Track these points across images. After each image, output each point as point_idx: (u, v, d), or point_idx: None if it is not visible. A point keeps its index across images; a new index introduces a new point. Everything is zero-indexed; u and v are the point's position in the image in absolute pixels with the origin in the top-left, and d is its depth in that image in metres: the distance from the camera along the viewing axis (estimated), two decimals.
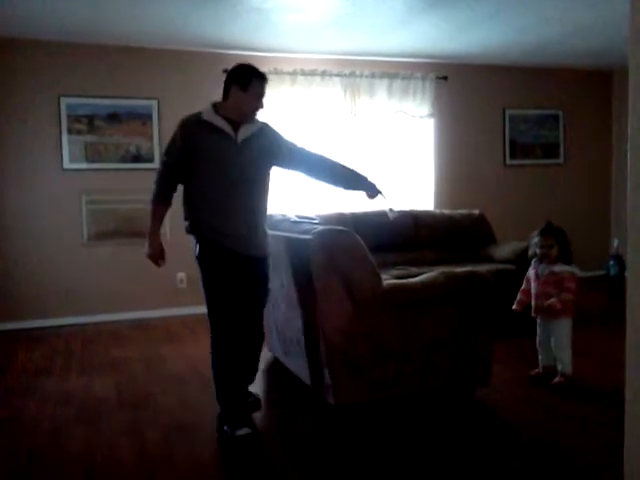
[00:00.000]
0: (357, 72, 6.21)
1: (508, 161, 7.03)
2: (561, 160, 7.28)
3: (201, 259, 2.95)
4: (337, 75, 6.15)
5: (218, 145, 2.84)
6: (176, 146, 2.92)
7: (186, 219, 3.01)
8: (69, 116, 5.48)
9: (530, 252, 3.53)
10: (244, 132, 2.87)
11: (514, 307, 3.55)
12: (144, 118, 5.71)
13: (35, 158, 5.39)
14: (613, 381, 3.37)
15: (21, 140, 5.35)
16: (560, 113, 7.21)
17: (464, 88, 6.74)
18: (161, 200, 3.07)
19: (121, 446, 2.81)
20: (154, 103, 5.71)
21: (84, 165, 5.53)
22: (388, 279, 3.49)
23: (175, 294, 5.80)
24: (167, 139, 5.66)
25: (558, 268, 3.35)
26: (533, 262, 3.49)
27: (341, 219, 4.94)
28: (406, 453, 2.66)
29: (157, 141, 5.72)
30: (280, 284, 3.47)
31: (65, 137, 5.46)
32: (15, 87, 5.31)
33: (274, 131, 3.06)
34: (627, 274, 1.82)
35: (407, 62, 6.40)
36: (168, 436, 2.92)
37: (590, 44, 6.02)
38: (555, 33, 5.61)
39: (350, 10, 4.77)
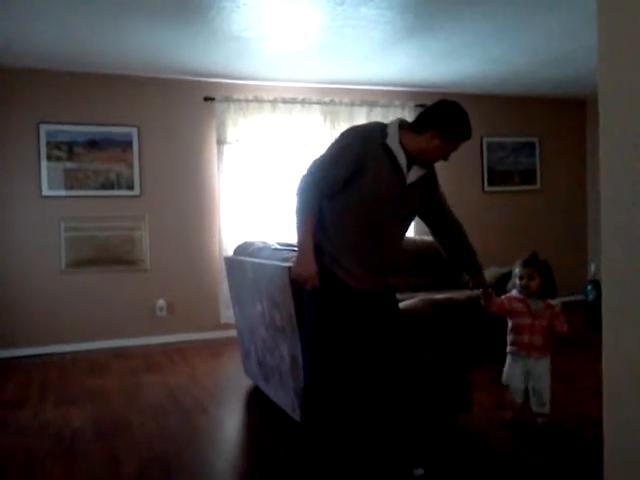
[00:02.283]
0: (337, 100, 6.28)
1: (487, 187, 7.12)
2: (538, 186, 7.40)
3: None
4: (317, 103, 6.22)
5: (388, 178, 2.45)
6: (344, 158, 2.44)
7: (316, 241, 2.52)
8: (48, 143, 5.45)
9: (510, 283, 3.35)
10: (414, 173, 2.50)
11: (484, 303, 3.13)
12: (124, 145, 5.70)
13: (14, 185, 5.34)
14: (592, 406, 3.38)
15: (1, 167, 5.30)
16: (536, 140, 7.34)
17: None
18: (312, 209, 2.47)
19: (98, 478, 2.75)
20: (134, 130, 5.71)
21: (63, 192, 5.49)
22: None
23: (155, 322, 5.74)
24: (148, 166, 5.80)
25: (551, 302, 3.23)
26: (515, 293, 3.26)
27: None
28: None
29: (137, 168, 5.71)
30: (261, 311, 3.46)
31: (44, 164, 5.42)
32: None
33: (435, 178, 2.71)
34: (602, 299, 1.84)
35: (386, 90, 6.49)
36: (146, 468, 2.86)
37: (564, 73, 6.17)
38: (530, 63, 5.74)
39: (330, 40, 4.84)
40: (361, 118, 6.34)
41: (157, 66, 5.46)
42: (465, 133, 2.49)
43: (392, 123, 2.52)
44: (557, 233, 7.43)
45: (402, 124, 2.52)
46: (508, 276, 4.89)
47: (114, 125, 5.65)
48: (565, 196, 7.54)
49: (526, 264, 3.23)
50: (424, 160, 2.49)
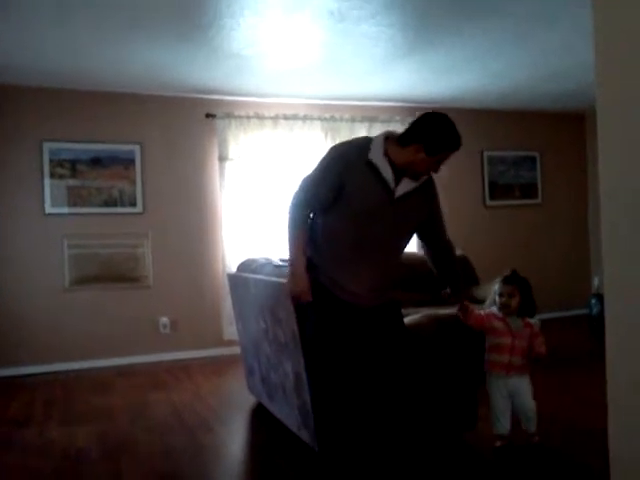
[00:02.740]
0: (337, 116, 6.32)
1: (488, 202, 7.14)
2: (539, 200, 7.41)
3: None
4: (318, 119, 6.25)
5: (373, 193, 2.46)
6: (326, 177, 2.50)
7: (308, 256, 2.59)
8: (51, 161, 5.48)
9: (488, 300, 3.23)
10: (405, 186, 2.49)
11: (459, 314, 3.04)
12: (127, 162, 5.73)
13: (17, 202, 5.37)
14: (596, 421, 3.37)
15: (2, 184, 5.33)
16: (537, 154, 7.37)
17: None
18: (303, 225, 2.56)
19: None
20: (137, 147, 5.75)
21: (66, 209, 5.51)
22: None
23: (158, 339, 5.74)
24: (150, 183, 5.83)
25: (532, 321, 3.11)
26: (495, 310, 3.12)
27: None
28: None
29: (140, 185, 5.74)
30: (264, 328, 3.46)
31: (47, 181, 5.45)
32: None
33: (434, 189, 2.69)
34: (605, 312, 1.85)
35: (387, 106, 6.53)
36: None
37: (563, 87, 6.21)
38: (529, 77, 5.78)
39: (330, 56, 4.88)
40: (362, 134, 6.36)
41: (159, 84, 5.51)
42: (450, 145, 2.44)
43: (377, 137, 2.54)
44: (559, 247, 7.43)
45: (389, 137, 2.52)
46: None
47: (117, 143, 5.68)
48: (567, 209, 7.56)
49: (506, 281, 3.11)
50: (413, 172, 2.47)
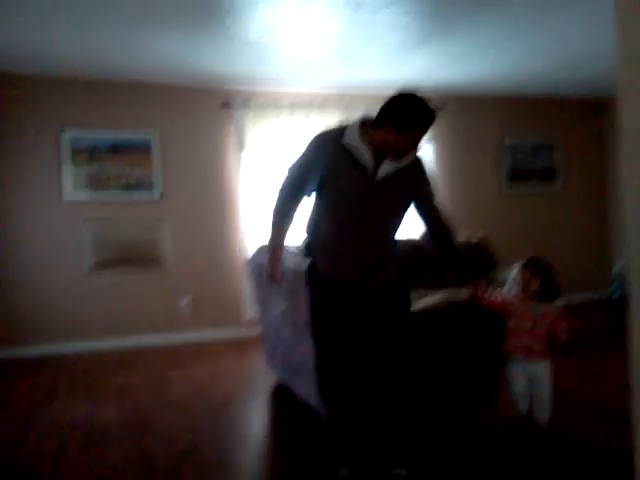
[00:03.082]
0: (354, 104, 6.32)
1: (506, 189, 7.12)
2: (558, 187, 7.38)
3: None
4: (334, 107, 6.26)
5: (351, 178, 2.48)
6: (304, 164, 2.58)
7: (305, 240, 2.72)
8: (71, 148, 5.55)
9: (508, 283, 3.29)
10: (386, 168, 2.47)
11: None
12: (145, 149, 5.79)
13: (38, 189, 5.45)
14: (616, 403, 3.40)
15: (23, 172, 5.42)
16: (556, 142, 7.33)
17: (461, 118, 6.86)
18: (284, 212, 2.66)
19: (127, 473, 2.82)
20: (155, 134, 5.80)
21: (86, 196, 5.59)
22: None
23: (179, 320, 5.83)
24: (167, 169, 5.90)
25: (553, 305, 3.10)
26: (514, 293, 3.18)
27: None
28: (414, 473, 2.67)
29: (158, 172, 5.80)
30: (283, 310, 3.51)
31: (67, 168, 5.53)
32: (18, 121, 5.40)
33: (422, 170, 2.66)
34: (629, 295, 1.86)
35: None
36: (173, 462, 2.92)
37: (583, 74, 6.17)
38: (548, 64, 5.75)
39: (346, 46, 4.89)
40: None
41: (176, 73, 5.55)
42: (417, 121, 2.39)
43: (353, 122, 2.54)
44: (579, 233, 7.40)
45: (366, 121, 2.52)
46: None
47: (135, 129, 5.74)
48: (586, 196, 7.51)
49: (526, 265, 3.13)
50: (393, 153, 2.45)
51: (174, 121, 5.85)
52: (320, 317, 2.66)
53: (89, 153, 5.60)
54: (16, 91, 5.40)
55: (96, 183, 5.62)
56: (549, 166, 7.33)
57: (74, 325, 5.52)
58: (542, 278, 3.07)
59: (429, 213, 2.77)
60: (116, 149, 5.69)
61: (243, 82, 5.89)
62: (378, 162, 2.47)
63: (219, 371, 4.59)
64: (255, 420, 3.67)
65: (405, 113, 2.38)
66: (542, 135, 7.28)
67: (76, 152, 5.56)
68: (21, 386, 4.39)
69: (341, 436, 2.71)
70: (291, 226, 2.69)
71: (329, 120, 6.23)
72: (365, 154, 2.45)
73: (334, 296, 2.60)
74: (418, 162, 2.62)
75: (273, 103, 6.05)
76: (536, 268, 3.08)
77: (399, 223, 2.68)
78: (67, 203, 5.54)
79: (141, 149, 5.77)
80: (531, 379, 3.07)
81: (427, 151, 6.61)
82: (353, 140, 2.46)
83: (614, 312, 6.52)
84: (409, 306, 2.79)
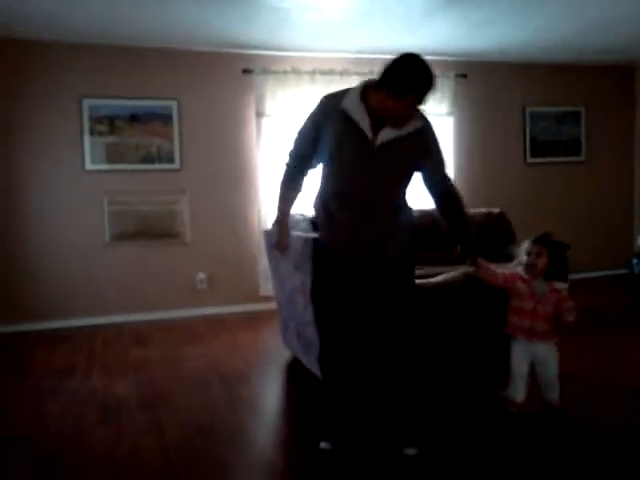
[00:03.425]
0: (375, 70, 6.15)
1: (529, 159, 6.96)
2: (583, 157, 7.19)
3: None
4: (355, 74, 6.13)
5: (351, 144, 2.42)
6: (304, 130, 2.54)
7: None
8: (91, 117, 5.52)
9: (516, 259, 3.08)
10: (386, 134, 2.38)
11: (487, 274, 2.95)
12: (165, 119, 5.74)
13: (57, 159, 5.44)
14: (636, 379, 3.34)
15: (42, 141, 5.40)
16: (581, 110, 7.12)
17: (484, 86, 6.69)
18: (289, 182, 2.65)
19: (143, 446, 2.84)
20: (174, 104, 5.74)
21: (105, 166, 5.57)
22: None
23: (196, 294, 5.84)
24: (188, 139, 5.87)
25: (559, 285, 2.95)
26: (519, 270, 3.01)
27: None
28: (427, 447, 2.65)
29: (177, 141, 5.75)
30: (299, 284, 3.48)
31: (87, 138, 5.50)
32: (37, 89, 5.36)
33: (430, 140, 2.54)
34: None
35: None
36: (189, 436, 2.94)
37: (610, 40, 5.94)
38: (574, 30, 5.53)
39: (368, 8, 4.76)
40: None
41: (196, 39, 5.46)
42: (415, 86, 2.28)
43: (356, 86, 2.46)
44: (602, 206, 7.24)
45: (368, 84, 2.43)
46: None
47: (154, 99, 5.69)
48: (611, 167, 7.32)
49: (535, 241, 2.96)
50: (392, 119, 2.35)
51: (194, 89, 5.78)
52: (320, 287, 2.63)
53: (109, 123, 5.57)
54: (35, 58, 5.34)
55: (115, 154, 5.59)
56: (574, 135, 7.13)
57: (92, 298, 5.55)
58: (551, 256, 2.91)
59: (437, 185, 2.66)
60: (135, 119, 5.65)
61: (264, 48, 5.78)
62: (380, 128, 2.37)
63: (235, 346, 4.59)
64: (270, 395, 3.67)
65: (402, 77, 2.28)
66: (567, 103, 7.07)
67: (96, 122, 5.53)
68: (39, 358, 4.44)
69: (330, 410, 2.71)
70: (298, 196, 2.69)
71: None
72: (365, 118, 2.37)
73: (336, 268, 2.56)
74: (425, 130, 2.48)
75: (294, 70, 5.94)
76: (545, 245, 2.92)
77: (403, 193, 2.58)
78: (87, 173, 5.52)
79: (161, 119, 5.72)
80: (534, 362, 2.96)
81: (447, 121, 6.48)
82: (352, 105, 2.38)
83: (634, 288, 6.41)
84: (413, 281, 2.70)
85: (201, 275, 5.85)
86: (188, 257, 5.82)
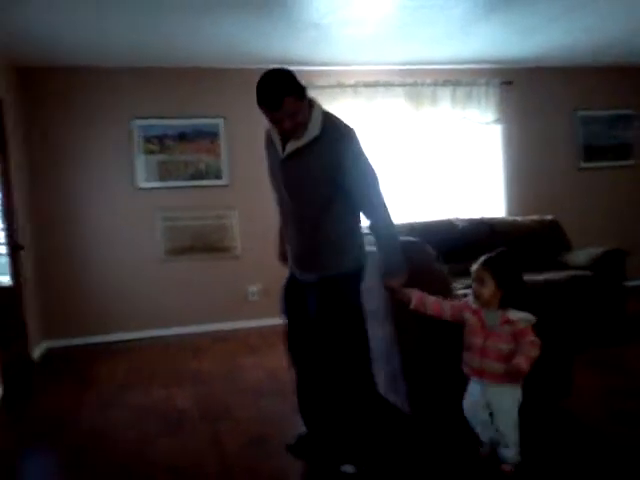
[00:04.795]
0: (419, 81, 6.19)
1: (582, 164, 6.82)
2: (634, 161, 7.02)
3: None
4: (399, 85, 6.15)
5: (271, 159, 2.62)
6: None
7: None
8: (142, 137, 5.70)
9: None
10: (290, 147, 2.43)
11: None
12: (212, 136, 5.87)
13: (111, 178, 5.64)
14: None
15: (97, 161, 5.62)
16: (633, 112, 6.96)
17: (530, 92, 6.62)
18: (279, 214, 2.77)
19: (204, 457, 2.89)
20: (221, 121, 5.87)
21: (157, 184, 5.74)
22: (460, 288, 3.48)
23: (248, 306, 5.93)
24: (234, 156, 5.95)
25: (513, 315, 2.41)
26: (469, 299, 2.57)
27: (410, 229, 4.92)
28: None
29: (225, 158, 5.87)
30: None
31: (138, 157, 5.68)
32: (91, 111, 5.59)
33: (341, 152, 2.37)
34: None
35: (469, 68, 6.34)
36: (249, 447, 2.98)
37: None
38: (622, 31, 5.44)
39: (408, 20, 4.78)
40: (445, 98, 6.23)
41: (240, 57, 5.58)
42: (258, 100, 2.32)
43: None
44: None
45: None
46: (604, 258, 4.71)
47: (201, 117, 5.83)
48: None
49: (482, 262, 2.48)
50: (287, 132, 2.40)
51: (240, 106, 5.88)
52: (281, 307, 2.90)
53: (159, 141, 5.73)
54: (89, 83, 5.59)
55: (166, 171, 5.75)
56: (626, 138, 6.97)
57: (149, 311, 5.72)
58: (498, 282, 2.41)
59: (360, 208, 2.51)
60: (184, 137, 5.80)
61: (307, 63, 5.86)
62: (284, 144, 2.49)
63: None
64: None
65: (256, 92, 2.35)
66: (619, 106, 6.92)
67: (147, 141, 5.70)
68: (102, 371, 4.58)
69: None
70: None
71: (394, 100, 6.13)
72: (277, 138, 2.51)
73: (287, 289, 2.85)
74: (324, 137, 2.38)
75: (337, 84, 6.00)
76: (490, 267, 2.44)
77: (321, 213, 2.45)
78: (140, 191, 5.70)
79: (208, 136, 5.86)
80: (489, 407, 2.47)
81: (495, 129, 6.43)
82: (272, 129, 2.53)
83: None
84: (344, 304, 2.53)
85: (253, 288, 5.93)
86: (239, 270, 5.92)
